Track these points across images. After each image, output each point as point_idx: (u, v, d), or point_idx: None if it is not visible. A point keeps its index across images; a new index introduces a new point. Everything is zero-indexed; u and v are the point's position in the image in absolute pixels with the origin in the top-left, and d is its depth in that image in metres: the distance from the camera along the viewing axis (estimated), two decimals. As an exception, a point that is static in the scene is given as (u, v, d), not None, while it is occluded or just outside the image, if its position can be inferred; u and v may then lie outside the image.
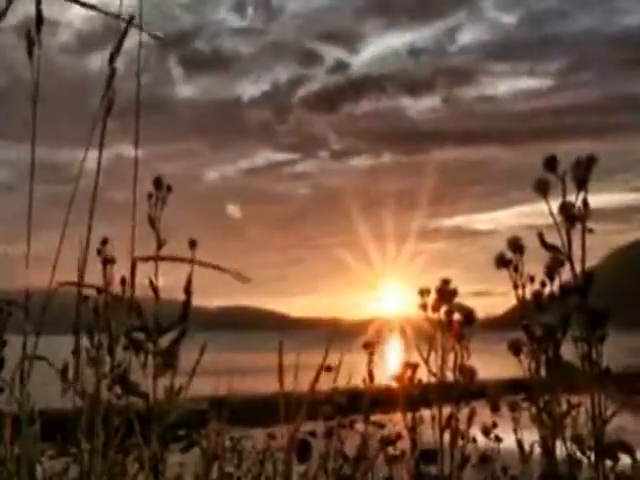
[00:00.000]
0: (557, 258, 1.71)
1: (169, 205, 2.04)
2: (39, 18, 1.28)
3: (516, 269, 1.83)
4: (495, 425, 2.46)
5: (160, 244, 1.98)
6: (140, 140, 1.41)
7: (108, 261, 1.99)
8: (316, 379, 1.30)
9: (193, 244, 2.02)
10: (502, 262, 1.83)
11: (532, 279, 1.82)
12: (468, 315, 2.12)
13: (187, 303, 2.02)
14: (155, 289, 1.98)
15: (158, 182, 1.99)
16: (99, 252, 1.98)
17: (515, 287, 1.83)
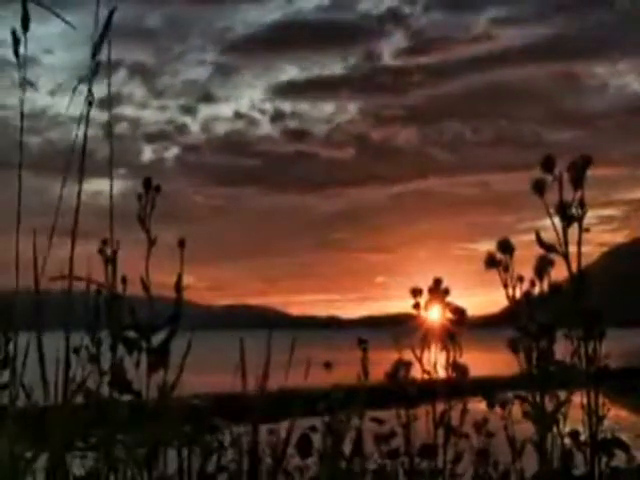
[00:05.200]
0: (546, 258, 1.73)
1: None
2: (25, 17, 1.26)
3: (506, 269, 1.84)
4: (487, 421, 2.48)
5: (151, 243, 2.00)
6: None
7: (110, 261, 2.00)
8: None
9: (182, 243, 2.05)
10: (491, 263, 1.84)
11: (521, 279, 1.83)
12: (459, 314, 2.14)
13: (178, 301, 2.03)
14: (147, 287, 1.99)
15: (147, 183, 1.99)
16: (100, 252, 1.99)
17: (505, 287, 1.84)
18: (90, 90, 1.29)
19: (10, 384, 1.38)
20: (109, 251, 1.98)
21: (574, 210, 1.64)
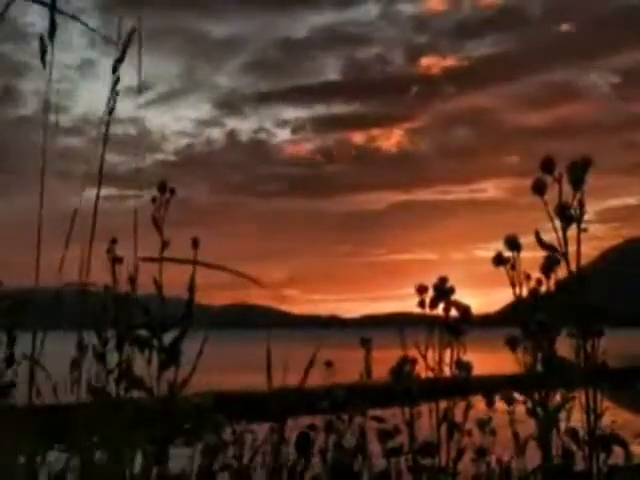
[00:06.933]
0: (553, 257, 1.74)
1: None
2: (52, 25, 1.28)
3: (513, 267, 1.85)
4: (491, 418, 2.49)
5: (164, 245, 2.02)
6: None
7: (116, 260, 2.02)
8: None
9: (195, 244, 2.06)
10: (499, 261, 1.84)
11: (528, 277, 1.84)
12: (464, 312, 2.15)
13: (190, 301, 2.05)
14: (159, 288, 2.01)
15: (162, 186, 2.02)
16: (108, 252, 2.00)
17: (512, 285, 1.85)
18: (109, 101, 1.31)
19: (27, 382, 1.39)
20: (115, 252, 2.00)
21: (573, 211, 1.66)
